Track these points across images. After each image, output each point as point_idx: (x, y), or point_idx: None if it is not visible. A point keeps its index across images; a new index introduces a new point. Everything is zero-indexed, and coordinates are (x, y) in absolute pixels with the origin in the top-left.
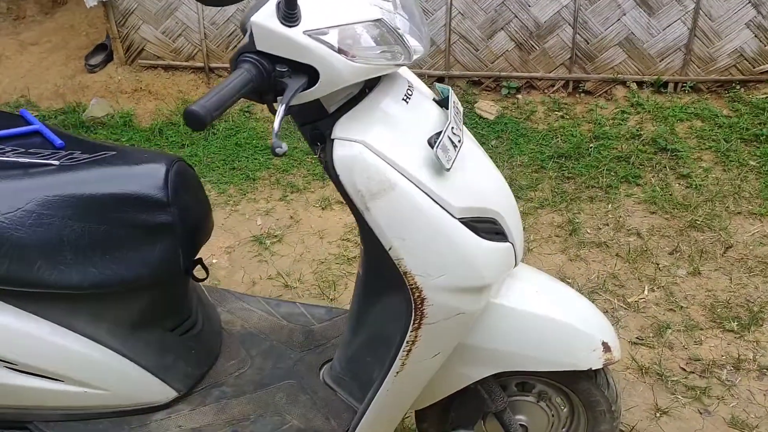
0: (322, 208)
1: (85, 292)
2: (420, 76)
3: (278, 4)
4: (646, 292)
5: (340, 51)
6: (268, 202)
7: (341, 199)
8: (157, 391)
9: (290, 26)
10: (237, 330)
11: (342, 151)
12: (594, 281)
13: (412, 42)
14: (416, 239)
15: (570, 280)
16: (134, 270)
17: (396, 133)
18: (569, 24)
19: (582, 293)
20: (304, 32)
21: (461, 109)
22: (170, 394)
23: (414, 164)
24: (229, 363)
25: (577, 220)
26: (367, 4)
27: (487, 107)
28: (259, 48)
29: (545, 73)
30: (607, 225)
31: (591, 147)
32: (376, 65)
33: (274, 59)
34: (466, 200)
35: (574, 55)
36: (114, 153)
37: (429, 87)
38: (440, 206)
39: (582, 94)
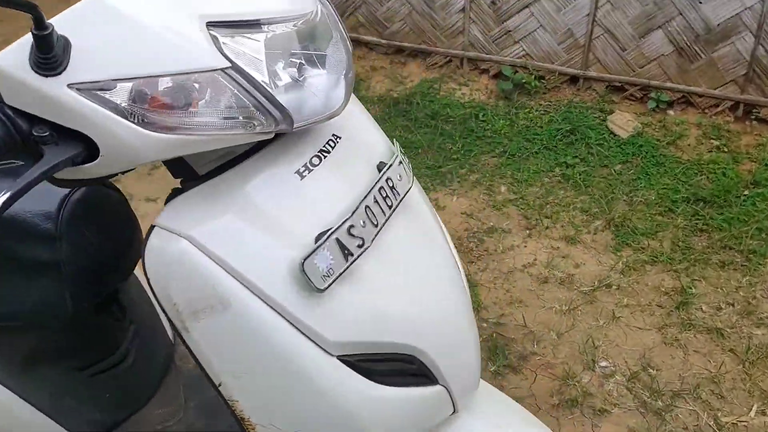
0: None
1: None
2: (550, 73)
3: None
4: (752, 414)
5: (132, 116)
6: None
7: None
8: None
9: (47, 75)
10: (188, 369)
11: (157, 246)
12: (685, 380)
13: (305, 98)
14: (258, 379)
15: (653, 371)
16: (8, 306)
17: (258, 227)
18: (750, 31)
19: (662, 392)
20: (70, 85)
21: (407, 177)
22: None
23: (274, 276)
24: (157, 411)
25: (693, 291)
26: (205, 43)
27: (623, 122)
28: (7, 102)
29: (709, 88)
30: (732, 305)
31: (745, 195)
32: (209, 136)
33: (33, 118)
34: (354, 331)
35: (752, 71)
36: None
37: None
38: (307, 337)
39: (754, 122)
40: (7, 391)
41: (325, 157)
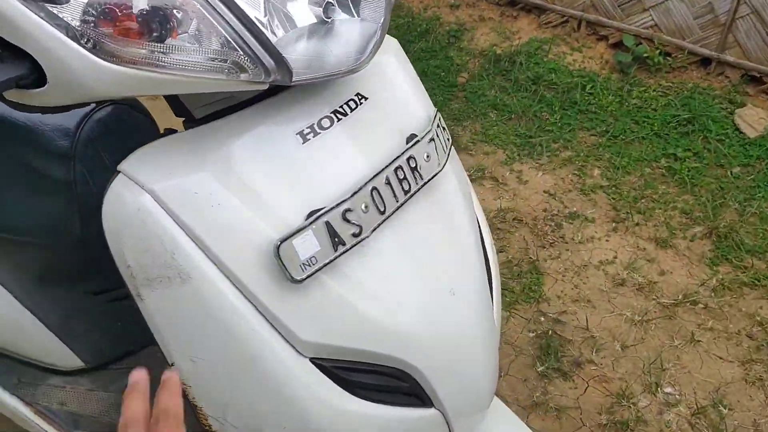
0: None
1: None
2: (679, 50)
3: None
4: None
5: (84, 39)
6: None
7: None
8: (60, 354)
9: None
10: None
11: (116, 195)
12: (760, 427)
13: (323, 47)
14: (215, 368)
15: (725, 409)
16: (19, 220)
17: (237, 193)
18: None
19: None
20: None
21: (437, 158)
22: (74, 362)
23: (246, 254)
24: None
25: None
26: None
27: (754, 118)
28: None
29: None
30: None
31: None
32: (181, 78)
33: None
34: (332, 334)
35: None
36: None
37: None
38: (276, 330)
39: None
40: (21, 307)
41: (339, 119)
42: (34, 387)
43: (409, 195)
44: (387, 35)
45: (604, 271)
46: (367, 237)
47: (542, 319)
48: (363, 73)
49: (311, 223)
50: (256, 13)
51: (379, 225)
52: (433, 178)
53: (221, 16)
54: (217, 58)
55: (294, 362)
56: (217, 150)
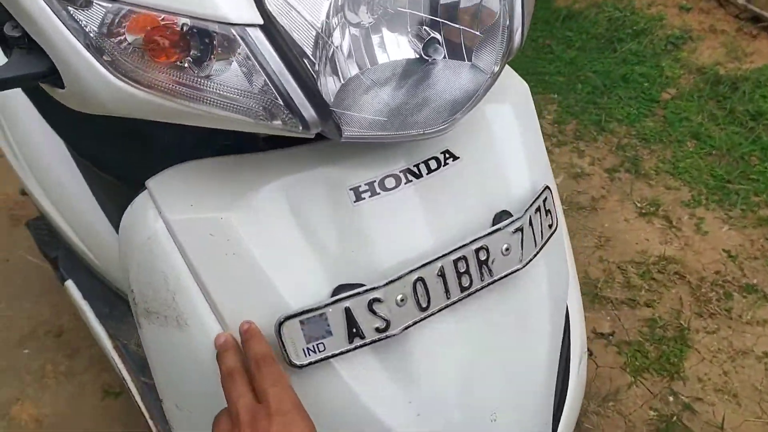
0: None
1: None
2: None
3: None
4: None
5: (100, 52)
6: None
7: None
8: None
9: None
10: None
11: (135, 213)
12: None
13: (384, 96)
14: (198, 423)
15: None
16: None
17: (258, 246)
18: None
19: None
20: None
21: (519, 254)
22: None
23: (251, 319)
24: None
25: None
26: None
27: None
28: None
29: None
30: None
31: None
32: (205, 114)
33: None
34: (329, 429)
35: None
36: None
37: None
38: None
39: None
40: (55, 136)
41: (409, 180)
42: (119, 321)
43: (465, 294)
44: (519, 78)
45: (766, 366)
46: (396, 335)
47: (671, 399)
48: (468, 121)
49: (328, 305)
50: (305, 42)
51: (416, 323)
52: (507, 276)
53: (261, 52)
54: (240, 95)
55: None
56: (250, 189)
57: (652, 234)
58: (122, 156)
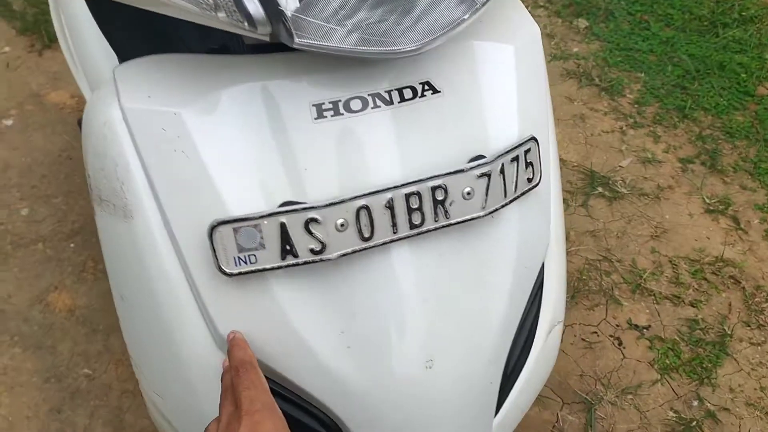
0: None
1: None
2: None
3: None
4: None
5: None
6: None
7: None
8: None
9: None
10: None
11: (99, 97)
12: None
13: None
14: (135, 315)
15: None
16: None
17: (212, 147)
18: None
19: None
20: None
21: (481, 202)
22: None
23: (193, 220)
24: None
25: None
26: None
27: None
28: None
29: None
30: None
31: None
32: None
33: None
34: (255, 347)
35: None
36: None
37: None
38: (200, 312)
39: None
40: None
41: (377, 106)
42: None
43: (415, 232)
44: (531, 19)
45: None
46: (331, 260)
47: (695, 403)
48: (458, 55)
49: (263, 216)
50: None
51: (354, 252)
52: (464, 222)
53: None
54: None
55: (208, 354)
56: (211, 89)
57: (715, 233)
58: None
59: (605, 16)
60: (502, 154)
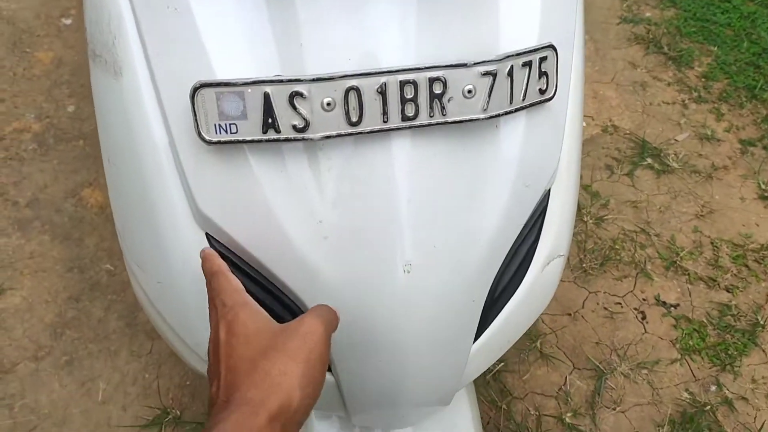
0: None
1: None
2: None
3: None
4: None
5: None
6: None
7: None
8: None
9: None
10: None
11: None
12: None
13: None
14: (120, 179)
15: None
16: None
17: (213, 11)
18: None
19: None
20: None
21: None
22: None
23: (181, 81)
24: None
25: None
26: None
27: None
28: None
29: None
30: None
31: None
32: None
33: None
34: (228, 223)
35: None
36: None
37: None
38: (181, 181)
39: None
40: None
41: None
42: None
43: (407, 124)
44: None
45: None
46: (313, 140)
47: (713, 388)
48: None
49: (247, 84)
50: None
51: (339, 136)
52: (461, 122)
53: None
54: None
55: (186, 225)
56: None
57: (765, 220)
58: None
59: None
60: (513, 56)
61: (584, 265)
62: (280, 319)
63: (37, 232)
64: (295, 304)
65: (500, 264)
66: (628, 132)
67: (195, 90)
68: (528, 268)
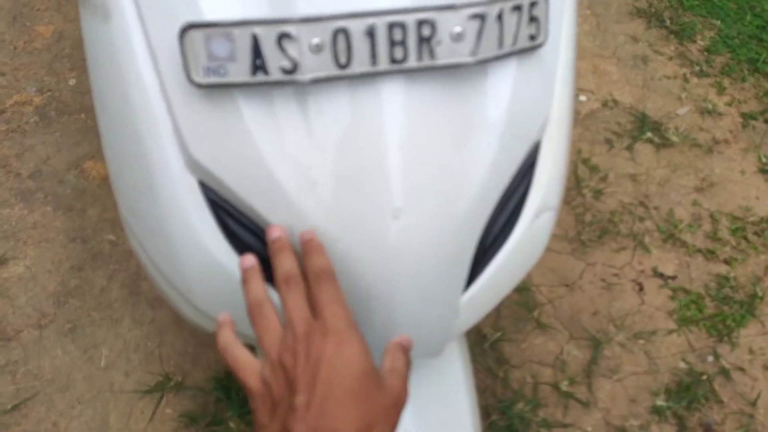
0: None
1: None
2: None
3: None
4: None
5: None
6: None
7: None
8: None
9: None
10: None
11: None
12: None
13: None
14: (112, 124)
15: None
16: None
17: None
18: None
19: None
20: None
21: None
22: None
23: (171, 25)
24: None
25: None
26: None
27: None
28: None
29: None
30: None
31: None
32: None
33: None
34: (221, 168)
35: None
36: None
37: None
38: (172, 125)
39: None
40: None
41: None
42: None
43: (396, 67)
44: None
45: None
46: (303, 82)
47: (710, 359)
48: None
49: (235, 24)
50: None
51: (327, 78)
52: (450, 67)
53: None
54: None
55: (178, 172)
56: None
57: (765, 194)
58: None
59: None
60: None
61: (582, 237)
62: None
63: (39, 203)
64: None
65: (489, 213)
66: (628, 106)
67: (183, 31)
68: (518, 220)
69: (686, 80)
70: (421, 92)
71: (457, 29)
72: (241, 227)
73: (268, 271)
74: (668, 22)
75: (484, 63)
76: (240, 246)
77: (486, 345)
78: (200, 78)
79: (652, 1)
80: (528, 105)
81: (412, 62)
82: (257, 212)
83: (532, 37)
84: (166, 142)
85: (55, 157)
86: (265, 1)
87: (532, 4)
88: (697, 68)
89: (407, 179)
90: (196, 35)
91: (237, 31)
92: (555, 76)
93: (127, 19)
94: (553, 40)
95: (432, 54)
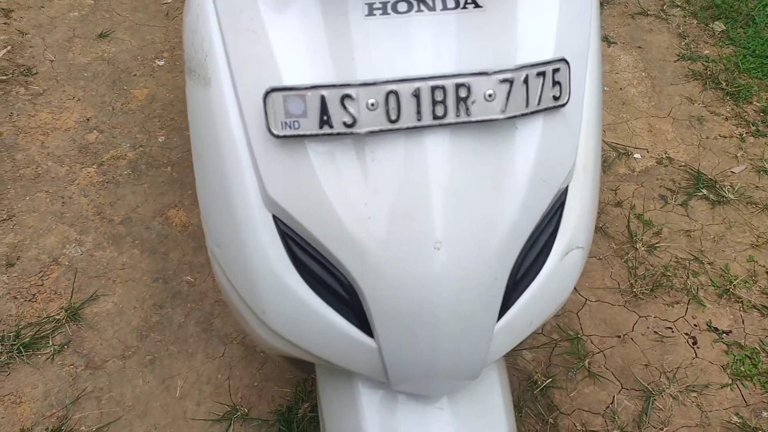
0: None
1: None
2: None
3: None
4: None
5: None
6: None
7: None
8: None
9: None
10: None
11: None
12: None
13: None
14: (205, 170)
15: None
16: None
17: (281, 34)
18: None
19: None
20: None
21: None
22: None
23: (256, 88)
24: None
25: None
26: None
27: None
28: None
29: None
30: None
31: None
32: None
33: None
34: (292, 205)
35: None
36: None
37: None
38: (254, 167)
39: None
40: None
41: (421, 9)
42: None
43: (438, 122)
44: None
45: None
46: (360, 134)
47: (765, 414)
48: None
49: (308, 88)
50: None
51: (381, 131)
52: (483, 122)
53: None
54: None
55: (256, 208)
56: None
57: None
58: None
59: (745, 21)
60: (527, 66)
61: (635, 289)
62: (328, 288)
63: (128, 247)
64: (344, 276)
65: (520, 249)
66: (683, 164)
67: (266, 94)
68: (548, 256)
69: (742, 140)
70: (459, 143)
71: (489, 91)
72: (307, 255)
73: (345, 306)
74: (724, 84)
75: (513, 119)
76: (306, 271)
77: (536, 390)
78: (278, 131)
79: (708, 64)
80: (554, 155)
81: (451, 118)
82: (321, 242)
83: (556, 98)
84: (248, 183)
85: (143, 205)
86: (331, 69)
87: (555, 71)
88: (753, 128)
89: (447, 216)
90: (276, 97)
91: (309, 94)
92: (579, 130)
93: (223, 85)
94: (577, 98)
95: (468, 111)
